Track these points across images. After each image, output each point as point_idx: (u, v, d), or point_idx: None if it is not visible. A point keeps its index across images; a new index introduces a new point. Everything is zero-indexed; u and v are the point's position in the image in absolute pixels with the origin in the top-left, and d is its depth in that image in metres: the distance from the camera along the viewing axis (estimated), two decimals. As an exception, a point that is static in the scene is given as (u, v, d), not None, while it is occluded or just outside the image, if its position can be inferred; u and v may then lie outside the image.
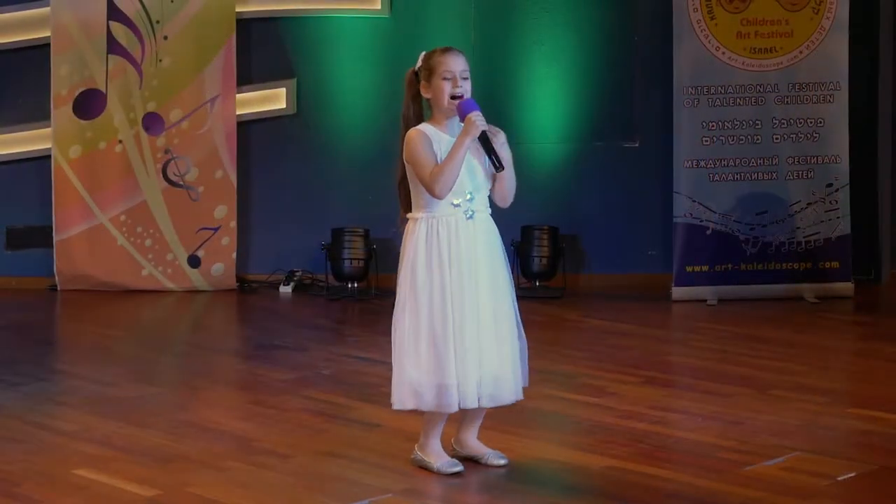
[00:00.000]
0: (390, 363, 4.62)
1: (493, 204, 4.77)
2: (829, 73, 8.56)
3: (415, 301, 4.61)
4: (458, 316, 4.59)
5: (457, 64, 4.63)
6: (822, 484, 4.57)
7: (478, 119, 4.55)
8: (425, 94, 4.68)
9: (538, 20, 9.13)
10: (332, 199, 9.26)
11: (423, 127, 4.65)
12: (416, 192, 4.66)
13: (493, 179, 4.71)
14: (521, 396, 4.77)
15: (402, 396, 4.65)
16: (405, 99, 4.72)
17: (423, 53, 4.72)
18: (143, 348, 7.31)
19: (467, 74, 4.66)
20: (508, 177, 4.69)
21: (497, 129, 4.68)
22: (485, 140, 4.60)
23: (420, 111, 4.71)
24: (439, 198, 4.58)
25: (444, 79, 4.61)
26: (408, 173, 4.67)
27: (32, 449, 5.07)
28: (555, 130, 9.16)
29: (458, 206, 4.64)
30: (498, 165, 4.62)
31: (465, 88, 4.64)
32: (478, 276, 4.64)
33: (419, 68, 4.70)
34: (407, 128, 4.68)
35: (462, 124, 4.63)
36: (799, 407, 5.67)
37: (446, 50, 4.67)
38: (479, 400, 4.64)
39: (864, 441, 5.16)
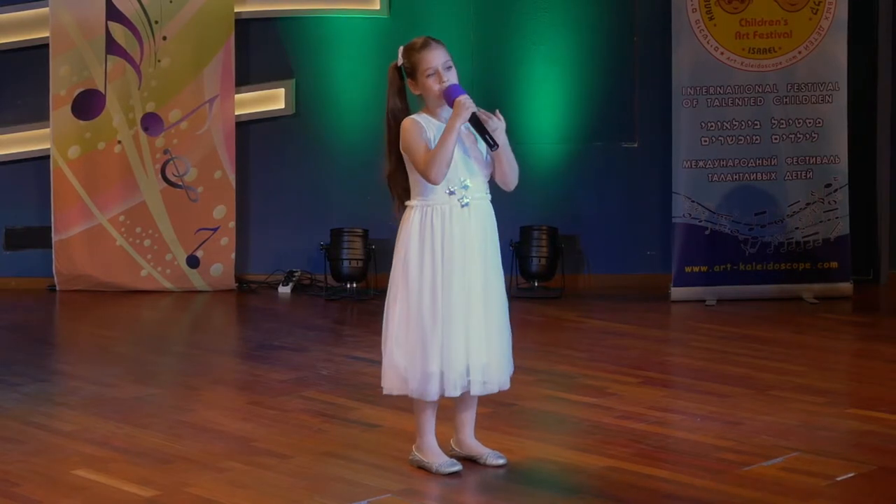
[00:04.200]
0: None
1: (494, 196, 4.76)
2: (828, 73, 8.56)
3: (406, 288, 4.64)
4: (447, 304, 4.60)
5: (436, 58, 4.63)
6: (821, 484, 4.57)
7: (466, 101, 4.55)
8: (415, 92, 4.69)
9: (537, 20, 9.13)
10: (330, 200, 9.26)
11: (417, 116, 4.67)
12: (413, 181, 4.68)
13: (494, 164, 4.71)
14: (507, 385, 4.78)
15: (390, 381, 4.71)
16: (389, 93, 4.73)
17: (402, 48, 4.70)
18: (143, 349, 7.31)
19: (450, 63, 4.65)
20: (507, 160, 4.68)
21: (499, 118, 4.65)
22: (475, 121, 4.60)
23: (406, 105, 4.72)
24: (434, 183, 4.58)
25: (429, 76, 4.62)
26: (406, 162, 4.69)
27: (31, 449, 5.07)
28: (554, 131, 9.16)
29: (452, 193, 4.65)
30: (492, 143, 4.62)
31: (451, 78, 4.64)
32: (470, 265, 4.64)
33: (402, 64, 4.69)
34: (395, 121, 4.69)
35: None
36: (798, 407, 5.67)
37: (424, 45, 4.65)
38: (469, 387, 4.65)
39: (862, 441, 5.16)
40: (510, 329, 4.79)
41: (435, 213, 4.64)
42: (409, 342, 4.64)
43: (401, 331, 4.66)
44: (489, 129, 4.60)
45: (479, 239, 4.68)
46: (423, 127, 4.62)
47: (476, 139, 4.68)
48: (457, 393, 4.66)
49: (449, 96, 4.59)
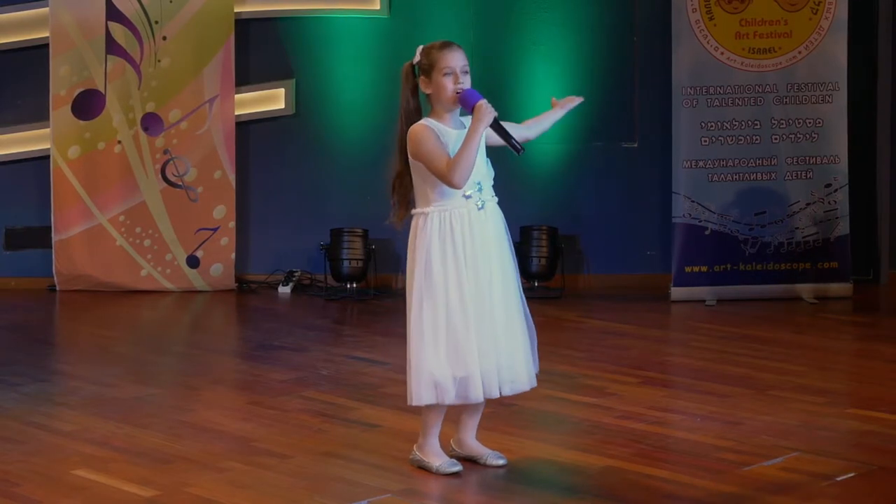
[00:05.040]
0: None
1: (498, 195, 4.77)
2: (827, 73, 8.56)
3: (432, 295, 4.60)
4: (475, 307, 4.60)
5: (457, 59, 4.63)
6: (821, 484, 4.57)
7: (487, 106, 4.55)
8: (425, 90, 4.67)
9: (537, 20, 9.13)
10: (330, 200, 9.26)
11: (427, 121, 4.65)
12: (424, 187, 4.64)
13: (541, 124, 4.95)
14: (535, 383, 4.79)
15: (420, 391, 4.61)
16: (403, 92, 4.69)
17: (421, 47, 4.69)
18: (142, 349, 7.31)
19: (467, 69, 4.65)
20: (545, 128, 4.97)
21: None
22: (498, 126, 4.61)
23: (419, 105, 4.70)
24: (458, 188, 4.56)
25: (445, 75, 4.61)
26: (413, 169, 4.66)
27: (31, 449, 5.07)
28: (554, 131, 8.99)
29: (469, 197, 4.64)
30: (519, 148, 4.64)
31: (466, 83, 4.63)
32: (490, 267, 4.65)
33: (417, 62, 4.68)
34: (408, 122, 4.67)
35: (462, 118, 4.65)
36: (798, 407, 5.67)
37: (445, 45, 4.65)
38: (500, 389, 4.65)
39: (862, 441, 5.16)
40: (534, 327, 4.79)
41: (454, 217, 4.62)
42: (442, 349, 4.59)
43: (430, 338, 4.60)
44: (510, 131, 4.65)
45: (496, 240, 4.69)
46: (436, 133, 4.61)
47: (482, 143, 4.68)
48: (496, 394, 4.65)
49: (466, 100, 4.58)
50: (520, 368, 4.70)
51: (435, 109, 4.67)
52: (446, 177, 4.54)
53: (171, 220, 9.08)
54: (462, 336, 4.58)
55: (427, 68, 4.64)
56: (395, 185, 4.73)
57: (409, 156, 4.64)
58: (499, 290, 4.67)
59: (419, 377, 4.61)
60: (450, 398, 4.61)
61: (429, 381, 4.60)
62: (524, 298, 4.78)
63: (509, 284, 4.71)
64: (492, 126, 4.58)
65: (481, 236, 4.64)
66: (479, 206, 4.66)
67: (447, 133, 4.62)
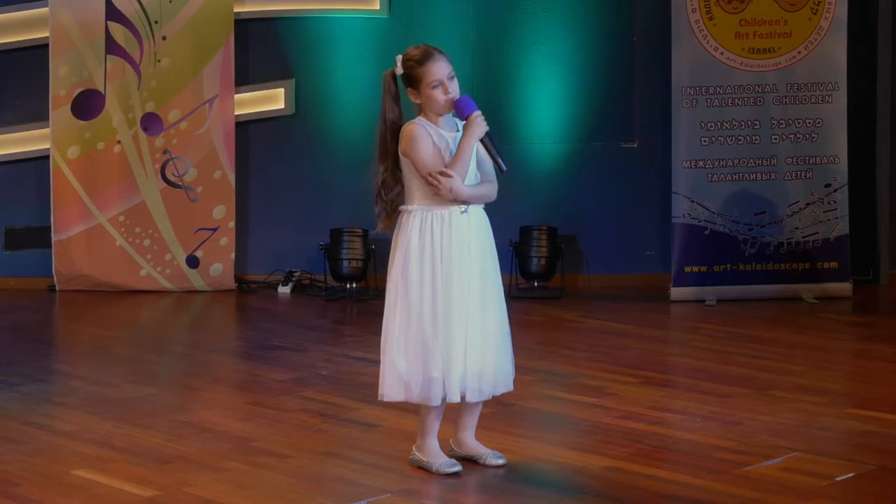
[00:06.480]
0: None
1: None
2: (827, 73, 8.56)
3: (406, 294, 4.64)
4: (446, 310, 4.61)
5: (441, 70, 4.61)
6: (821, 484, 4.57)
7: (481, 119, 4.57)
8: (415, 101, 4.67)
9: (537, 20, 9.13)
10: (330, 200, 9.26)
11: (420, 121, 4.65)
12: (413, 186, 4.66)
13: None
14: (510, 387, 4.79)
15: (390, 388, 4.68)
16: (385, 101, 4.70)
17: (400, 57, 4.68)
18: (142, 349, 7.31)
19: (453, 74, 4.64)
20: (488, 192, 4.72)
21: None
22: (488, 141, 4.62)
23: (401, 113, 4.71)
24: (445, 197, 4.58)
25: (434, 88, 4.61)
26: (403, 165, 4.66)
27: (31, 449, 5.07)
28: (553, 131, 9.15)
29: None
30: (503, 168, 4.65)
31: (454, 88, 4.63)
32: (469, 271, 4.65)
33: (401, 74, 4.68)
34: (391, 131, 4.66)
35: (457, 118, 4.65)
36: (797, 407, 5.67)
37: (425, 56, 4.62)
38: (464, 394, 4.66)
39: (862, 441, 5.16)
40: (510, 334, 4.79)
41: (435, 218, 4.64)
42: (411, 347, 4.63)
43: (402, 336, 4.65)
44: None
45: (477, 245, 4.68)
46: (430, 134, 4.61)
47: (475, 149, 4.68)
48: (457, 399, 4.67)
49: (461, 110, 4.59)
50: (489, 375, 4.69)
51: (426, 113, 4.67)
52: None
53: (171, 220, 9.08)
54: (429, 337, 4.61)
55: (413, 82, 4.64)
56: (381, 194, 4.72)
57: (400, 153, 4.64)
58: (476, 297, 4.66)
59: (388, 374, 4.67)
60: (414, 397, 4.65)
61: (396, 377, 4.65)
62: (505, 307, 4.77)
63: (490, 290, 4.70)
64: (481, 140, 4.60)
65: (460, 241, 4.64)
66: (463, 209, 4.66)
67: (440, 135, 4.63)
